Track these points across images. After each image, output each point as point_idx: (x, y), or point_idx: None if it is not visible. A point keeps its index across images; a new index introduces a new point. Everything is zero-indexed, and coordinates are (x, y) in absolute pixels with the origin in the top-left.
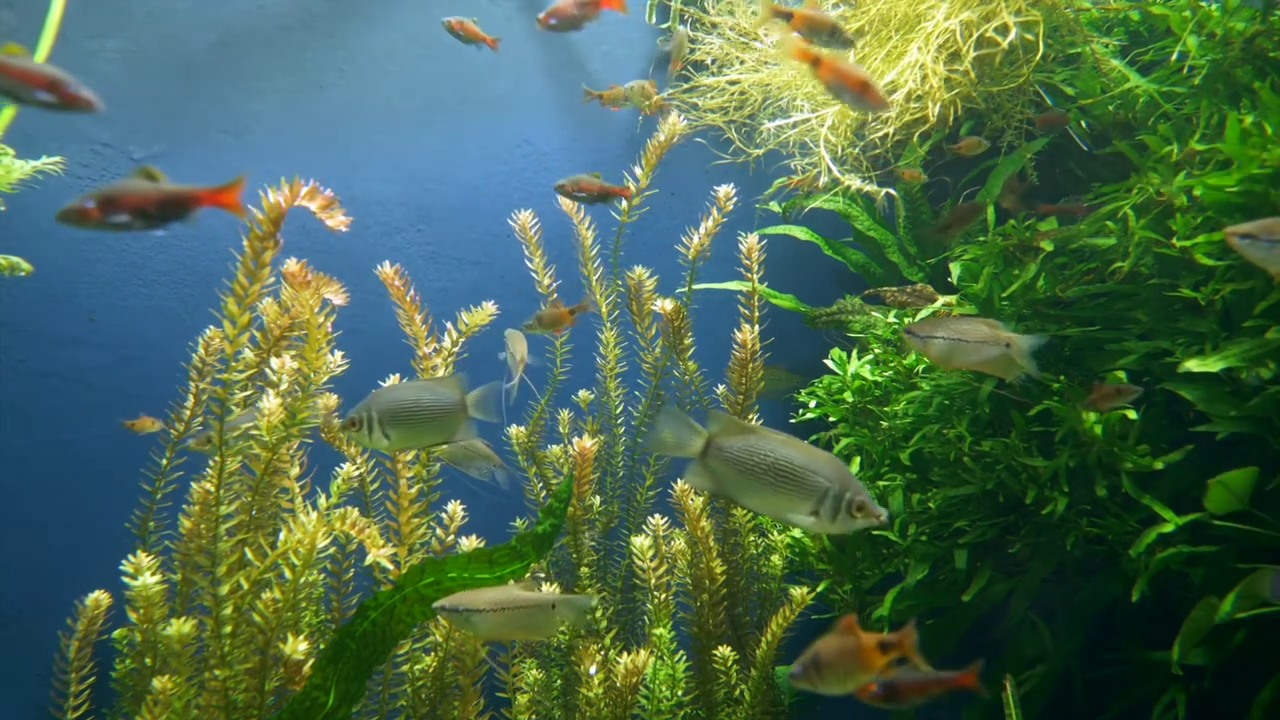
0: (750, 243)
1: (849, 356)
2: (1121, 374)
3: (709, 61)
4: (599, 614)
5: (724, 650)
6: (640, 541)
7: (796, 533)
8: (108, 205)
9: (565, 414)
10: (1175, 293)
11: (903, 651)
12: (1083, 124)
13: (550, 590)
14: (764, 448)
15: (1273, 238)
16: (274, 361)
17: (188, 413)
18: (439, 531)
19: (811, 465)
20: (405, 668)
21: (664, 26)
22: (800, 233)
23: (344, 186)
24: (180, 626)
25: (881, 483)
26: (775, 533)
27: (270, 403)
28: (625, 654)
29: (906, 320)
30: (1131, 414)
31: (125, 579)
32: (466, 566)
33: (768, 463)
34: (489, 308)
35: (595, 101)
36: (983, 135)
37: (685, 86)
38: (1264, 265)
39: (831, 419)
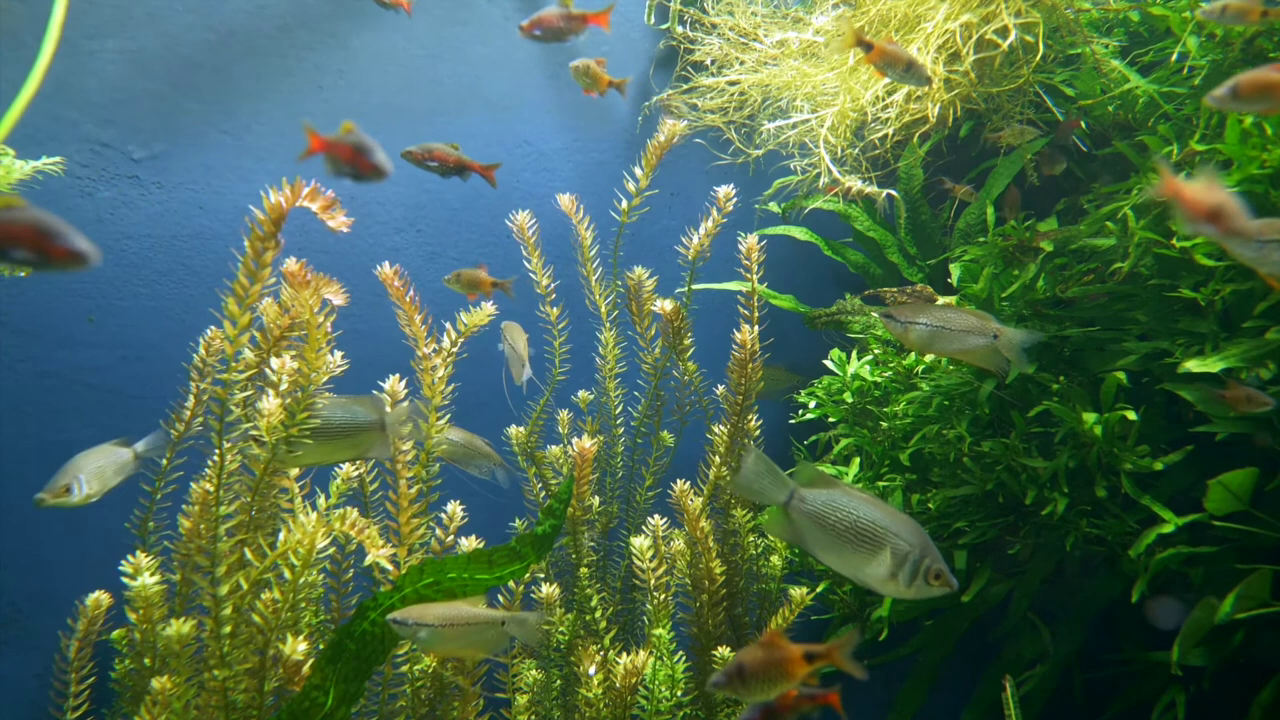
0: (750, 243)
1: (849, 357)
2: (1121, 375)
3: (708, 62)
4: (599, 614)
5: (723, 651)
6: (640, 542)
7: None
8: None
9: (564, 414)
10: (1175, 293)
11: (831, 661)
12: (1082, 125)
13: (551, 589)
14: (847, 505)
15: (1262, 238)
16: (274, 362)
17: (188, 413)
18: (438, 532)
19: (893, 527)
20: (405, 668)
21: (663, 27)
22: (800, 233)
23: (343, 187)
24: (179, 627)
25: (881, 483)
26: None
27: (270, 403)
28: (625, 654)
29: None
30: (1131, 414)
31: (124, 579)
32: (466, 567)
33: (849, 520)
34: (488, 308)
35: (587, 98)
36: (982, 136)
37: (685, 87)
38: (1254, 266)
39: (831, 419)
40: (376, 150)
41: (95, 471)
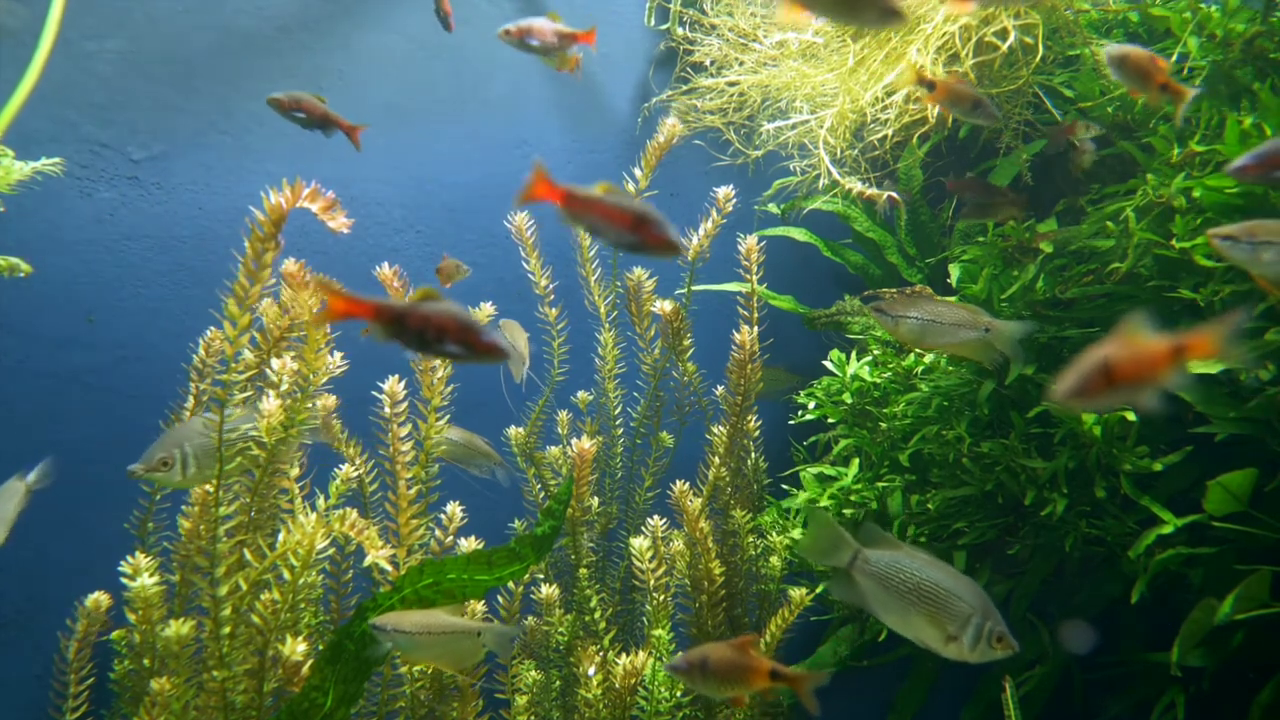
0: (749, 244)
1: (848, 358)
2: None
3: (708, 63)
4: (598, 615)
5: None
6: (639, 543)
7: (795, 533)
8: None
9: (564, 415)
10: (1174, 294)
11: (793, 688)
12: (1084, 126)
13: (550, 590)
14: (910, 566)
15: (1254, 239)
16: (274, 362)
17: (188, 414)
18: (438, 533)
19: (955, 589)
20: (404, 669)
21: (663, 28)
22: (799, 234)
23: (343, 188)
24: (179, 628)
25: (880, 484)
26: (774, 534)
27: (270, 404)
28: (624, 655)
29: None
30: (1130, 415)
31: (124, 580)
32: (465, 568)
33: (912, 582)
34: (486, 309)
35: (587, 99)
36: (981, 137)
37: (684, 88)
38: (1246, 267)
39: (831, 420)
40: (667, 224)
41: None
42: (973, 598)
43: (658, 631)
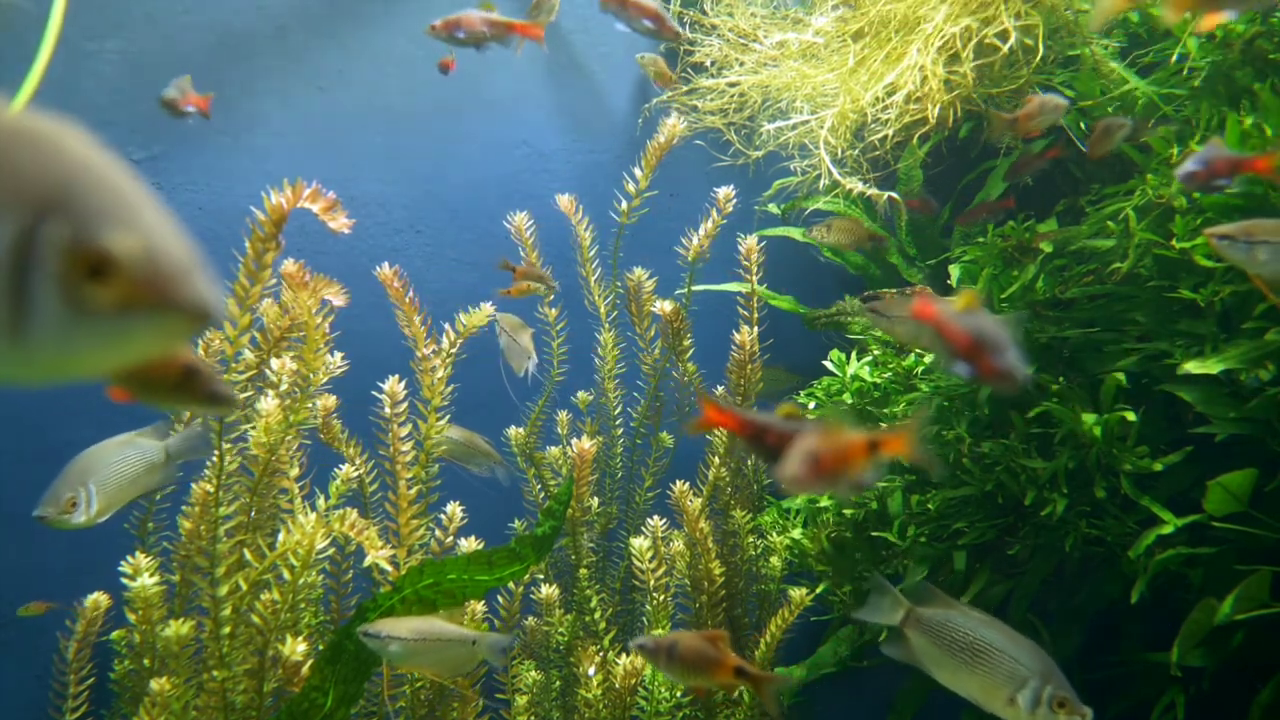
0: (749, 244)
1: (848, 358)
2: (1120, 375)
3: (708, 63)
4: (598, 615)
5: None
6: (639, 543)
7: (795, 533)
8: None
9: (564, 415)
10: (1175, 294)
11: (756, 689)
12: (1081, 125)
13: (550, 590)
14: (964, 625)
15: (1251, 239)
16: (274, 363)
17: (188, 414)
18: (438, 533)
19: (1012, 650)
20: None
21: None
22: (799, 234)
23: (343, 188)
24: (179, 628)
25: (880, 484)
26: (774, 534)
27: (269, 404)
28: (624, 655)
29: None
30: (1130, 415)
31: (124, 580)
32: (465, 568)
33: (966, 641)
34: (487, 309)
35: (587, 99)
36: (982, 137)
37: (685, 89)
38: (1243, 266)
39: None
40: (1007, 350)
41: None
42: (1030, 659)
43: (658, 631)
